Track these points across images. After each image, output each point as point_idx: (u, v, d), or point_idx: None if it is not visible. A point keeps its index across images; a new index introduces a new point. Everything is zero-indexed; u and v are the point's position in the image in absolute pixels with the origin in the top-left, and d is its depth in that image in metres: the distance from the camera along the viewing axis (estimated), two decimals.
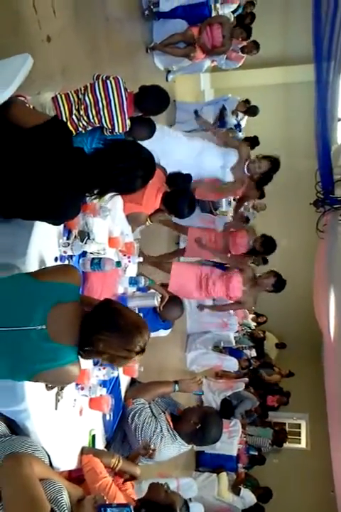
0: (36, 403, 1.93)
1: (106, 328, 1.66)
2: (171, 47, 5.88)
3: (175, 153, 4.25)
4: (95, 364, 2.47)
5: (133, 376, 2.96)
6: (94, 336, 1.66)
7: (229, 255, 4.90)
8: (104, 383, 2.52)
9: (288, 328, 10.61)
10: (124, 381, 2.90)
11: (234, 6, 7.10)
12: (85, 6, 3.89)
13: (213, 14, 6.12)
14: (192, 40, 5.77)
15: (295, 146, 9.50)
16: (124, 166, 1.87)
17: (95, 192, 1.95)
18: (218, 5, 6.39)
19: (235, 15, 6.93)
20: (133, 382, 3.03)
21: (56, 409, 2.11)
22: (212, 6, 6.14)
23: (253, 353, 8.72)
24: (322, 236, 7.61)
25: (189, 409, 2.87)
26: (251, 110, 7.21)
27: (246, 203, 6.54)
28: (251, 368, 8.17)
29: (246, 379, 7.58)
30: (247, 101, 7.08)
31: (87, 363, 2.34)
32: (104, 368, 2.45)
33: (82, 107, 2.69)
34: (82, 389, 2.34)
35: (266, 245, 4.78)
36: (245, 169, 4.64)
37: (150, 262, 4.66)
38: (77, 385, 2.31)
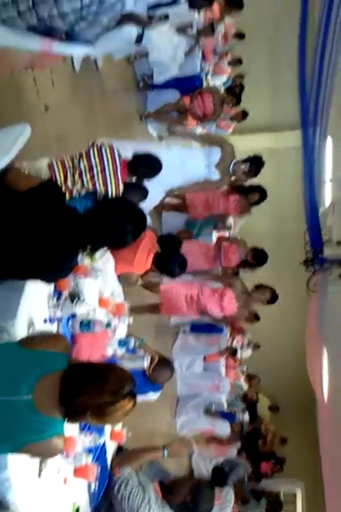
0: (19, 471, 1.86)
1: (83, 383, 1.62)
2: (164, 115, 6.16)
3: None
4: (82, 429, 2.41)
5: (120, 442, 2.88)
6: (74, 397, 1.61)
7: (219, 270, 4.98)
8: (89, 450, 2.44)
9: (281, 390, 10.43)
10: (111, 448, 2.81)
11: (224, 78, 7.53)
12: (82, 77, 4.12)
13: (204, 85, 6.47)
14: (183, 109, 6.06)
15: (284, 208, 9.74)
16: (115, 221, 1.92)
17: (88, 248, 1.99)
18: (209, 77, 6.76)
19: (225, 86, 7.32)
20: (120, 449, 2.94)
21: (39, 477, 2.04)
22: (203, 78, 6.50)
23: (246, 416, 8.50)
24: (313, 296, 7.68)
25: (180, 480, 2.78)
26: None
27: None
28: (244, 432, 7.94)
29: (239, 444, 7.35)
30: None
31: (72, 430, 2.29)
32: (90, 434, 2.39)
33: (77, 172, 2.79)
34: (67, 456, 2.27)
35: (258, 257, 4.87)
36: (230, 168, 4.70)
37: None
38: (61, 452, 2.24)
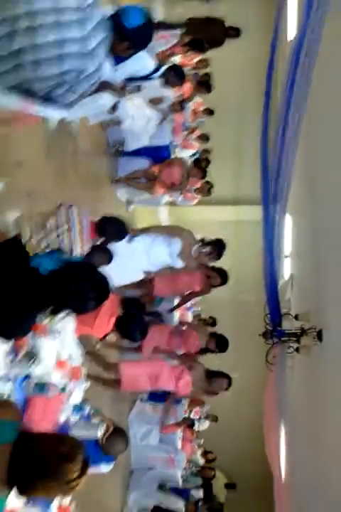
0: None
1: (35, 477, 1.55)
2: (134, 181, 6.32)
3: (125, 263, 4.34)
4: (27, 502, 2.23)
5: None
6: (27, 487, 1.56)
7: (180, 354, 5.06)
8: None
9: (238, 467, 10.15)
10: None
11: (191, 152, 7.89)
12: (57, 139, 4.20)
13: (172, 157, 6.74)
14: (152, 176, 6.26)
15: (245, 279, 9.95)
16: (77, 287, 1.91)
17: (47, 310, 1.94)
18: (177, 149, 7.06)
19: (192, 159, 7.65)
20: None
21: None
22: (172, 150, 6.78)
23: (201, 493, 8.15)
24: (272, 368, 7.69)
25: None
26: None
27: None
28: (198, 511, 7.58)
29: None
30: (202, 240, 7.54)
31: (16, 502, 2.11)
32: (35, 509, 2.21)
33: (44, 231, 2.78)
34: None
35: (220, 345, 5.05)
36: (192, 253, 4.85)
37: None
38: None
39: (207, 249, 4.90)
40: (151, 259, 4.71)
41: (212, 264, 5.48)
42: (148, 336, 4.96)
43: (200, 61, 7.30)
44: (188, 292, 5.83)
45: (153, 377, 4.44)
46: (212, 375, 4.62)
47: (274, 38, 7.78)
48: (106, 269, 3.35)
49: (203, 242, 6.98)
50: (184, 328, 5.27)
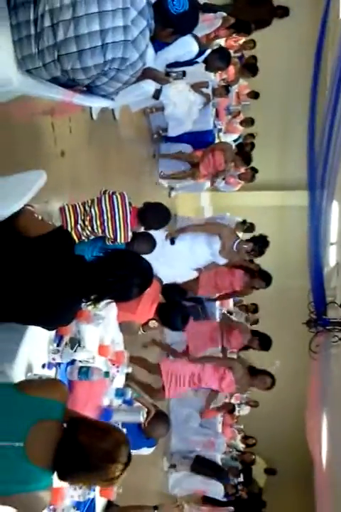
0: None
1: (78, 470, 1.61)
2: (177, 170, 6.34)
3: (174, 266, 4.43)
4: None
5: (109, 498, 2.77)
6: (69, 475, 1.62)
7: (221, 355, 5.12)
8: (78, 505, 2.34)
9: (278, 453, 10.10)
10: (100, 504, 2.70)
11: (236, 136, 7.75)
12: (99, 127, 4.24)
13: (216, 141, 6.65)
14: (195, 162, 6.21)
15: (288, 265, 9.78)
16: (121, 274, 1.90)
17: (92, 298, 1.97)
18: (221, 134, 6.95)
19: (236, 143, 7.51)
20: (109, 505, 2.82)
21: None
22: (216, 134, 6.68)
23: (241, 477, 8.18)
24: (315, 357, 7.54)
25: None
26: (248, 229, 7.53)
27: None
28: (237, 495, 7.62)
29: (232, 508, 7.03)
30: (244, 221, 7.43)
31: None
32: (80, 488, 2.29)
33: (88, 218, 2.83)
34: (54, 510, 2.17)
35: (264, 344, 5.07)
36: (234, 248, 4.74)
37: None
38: (49, 505, 2.15)
39: (249, 245, 4.79)
40: (196, 259, 4.76)
41: (256, 261, 5.52)
42: (193, 341, 5.11)
43: (247, 42, 7.10)
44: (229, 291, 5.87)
45: (195, 377, 4.50)
46: (255, 373, 4.59)
47: (324, 17, 7.45)
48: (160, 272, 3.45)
49: (245, 224, 6.96)
50: (226, 328, 5.29)
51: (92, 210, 2.88)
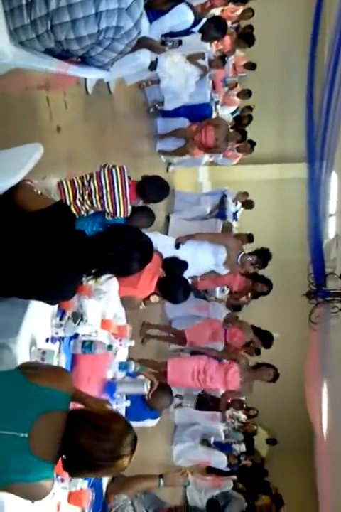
0: (12, 496, 1.81)
1: (82, 470, 1.62)
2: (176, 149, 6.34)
3: None
4: None
5: None
6: (75, 474, 1.66)
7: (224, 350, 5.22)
8: None
9: (280, 423, 10.26)
10: None
11: (233, 108, 7.65)
12: (95, 101, 4.19)
13: (214, 115, 6.56)
14: (191, 137, 6.14)
15: (287, 238, 9.78)
16: (122, 249, 1.90)
17: (92, 272, 1.97)
18: (218, 107, 6.86)
19: (233, 116, 7.42)
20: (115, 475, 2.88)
21: (32, 502, 1.98)
22: (213, 107, 6.59)
23: (243, 447, 8.34)
24: (315, 328, 7.61)
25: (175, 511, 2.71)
26: (247, 204, 7.52)
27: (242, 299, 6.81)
28: (240, 465, 7.77)
29: (235, 476, 7.19)
30: (246, 193, 7.42)
31: None
32: None
33: (87, 192, 2.81)
34: (62, 481, 2.21)
35: (265, 341, 5.20)
36: (238, 260, 4.82)
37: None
38: (57, 475, 2.19)
39: (253, 258, 4.93)
40: (196, 266, 4.71)
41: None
42: (192, 331, 5.20)
43: (245, 11, 6.96)
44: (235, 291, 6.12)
45: (201, 373, 4.58)
46: (257, 366, 4.75)
47: None
48: None
49: (247, 195, 6.95)
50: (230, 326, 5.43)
51: (91, 184, 2.85)
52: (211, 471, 7.20)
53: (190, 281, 4.92)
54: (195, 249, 4.71)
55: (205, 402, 5.74)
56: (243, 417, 8.94)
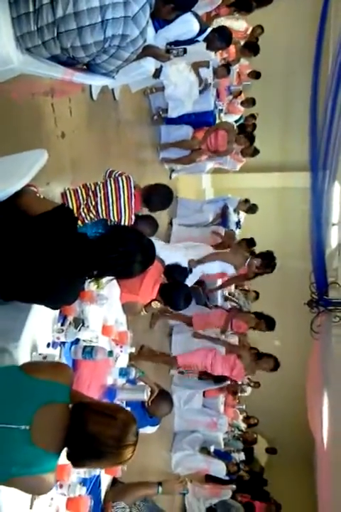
0: (10, 502, 1.80)
1: (90, 459, 1.63)
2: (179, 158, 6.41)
3: None
4: None
5: (115, 476, 2.81)
6: (81, 463, 1.67)
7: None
8: (84, 481, 2.38)
9: (280, 432, 10.20)
10: (105, 481, 2.74)
11: (237, 116, 7.67)
12: (99, 108, 4.21)
13: (217, 122, 6.58)
14: (196, 145, 6.16)
15: (290, 246, 9.76)
16: (123, 250, 1.90)
17: (94, 274, 1.96)
18: (222, 114, 6.88)
19: (237, 124, 7.43)
20: (114, 481, 2.87)
21: (31, 508, 1.98)
22: (217, 115, 6.61)
23: (242, 456, 8.29)
24: (317, 337, 7.58)
25: None
26: (251, 208, 7.51)
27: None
28: (239, 474, 7.73)
29: (234, 486, 7.14)
30: (247, 200, 7.41)
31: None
32: None
33: (93, 203, 2.83)
34: (61, 487, 2.20)
35: (268, 325, 5.46)
36: (245, 265, 5.21)
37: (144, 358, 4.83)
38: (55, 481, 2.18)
39: (258, 261, 5.17)
40: (205, 269, 5.15)
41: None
42: (198, 319, 5.34)
43: (254, 29, 7.01)
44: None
45: (207, 365, 4.77)
46: (260, 356, 5.03)
47: None
48: None
49: (247, 203, 7.00)
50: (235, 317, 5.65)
51: (98, 194, 2.87)
52: (210, 479, 7.16)
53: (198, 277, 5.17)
54: (203, 266, 5.02)
55: (207, 374, 5.80)
56: (243, 425, 8.89)
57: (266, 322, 5.48)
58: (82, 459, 1.64)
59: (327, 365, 7.66)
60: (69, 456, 1.63)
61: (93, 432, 1.58)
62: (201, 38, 4.09)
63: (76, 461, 1.65)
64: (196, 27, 3.89)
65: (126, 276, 2.09)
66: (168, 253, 4.48)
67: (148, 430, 3.58)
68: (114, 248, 1.89)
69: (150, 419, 3.48)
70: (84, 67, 2.22)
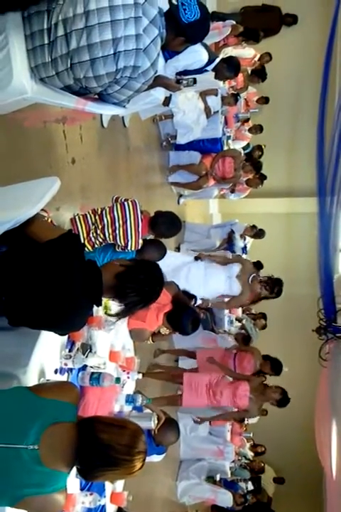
0: None
1: (104, 468, 1.61)
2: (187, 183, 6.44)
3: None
4: (83, 488, 2.32)
5: (120, 505, 2.76)
6: (94, 475, 1.63)
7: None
8: (89, 511, 2.34)
9: (287, 462, 9.98)
10: (110, 510, 2.69)
11: (245, 143, 7.75)
12: (109, 135, 4.29)
13: (225, 148, 6.65)
14: (204, 171, 6.22)
15: (297, 272, 9.71)
16: (132, 286, 1.92)
17: (102, 303, 1.97)
18: (230, 141, 6.96)
19: (245, 152, 7.50)
20: (119, 511, 2.81)
21: None
22: (225, 142, 6.69)
23: (250, 486, 8.10)
24: (325, 364, 7.48)
25: None
26: (258, 234, 7.52)
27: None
28: (247, 504, 7.54)
29: None
30: (254, 226, 7.43)
31: (73, 487, 2.21)
32: (91, 495, 2.30)
33: (100, 226, 2.86)
34: None
35: (275, 368, 5.18)
36: (249, 279, 4.84)
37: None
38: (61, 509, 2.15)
39: (264, 278, 4.94)
40: (207, 288, 4.80)
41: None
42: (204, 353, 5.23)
43: (262, 56, 7.13)
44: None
45: (212, 388, 4.59)
46: (266, 386, 4.84)
47: (333, 24, 7.46)
48: None
49: (254, 229, 6.97)
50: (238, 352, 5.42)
51: (104, 218, 2.90)
52: (216, 509, 7.00)
53: (200, 301, 4.98)
54: (206, 268, 4.79)
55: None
56: (250, 453, 8.72)
57: (272, 365, 5.23)
58: (96, 469, 1.62)
59: (336, 393, 7.54)
60: (80, 471, 1.63)
61: (106, 440, 1.59)
62: (210, 67, 4.17)
63: (88, 473, 1.64)
64: (205, 57, 3.97)
65: (138, 307, 2.09)
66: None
67: (155, 458, 3.53)
68: (131, 279, 1.91)
69: (156, 447, 3.43)
70: (96, 96, 2.27)
